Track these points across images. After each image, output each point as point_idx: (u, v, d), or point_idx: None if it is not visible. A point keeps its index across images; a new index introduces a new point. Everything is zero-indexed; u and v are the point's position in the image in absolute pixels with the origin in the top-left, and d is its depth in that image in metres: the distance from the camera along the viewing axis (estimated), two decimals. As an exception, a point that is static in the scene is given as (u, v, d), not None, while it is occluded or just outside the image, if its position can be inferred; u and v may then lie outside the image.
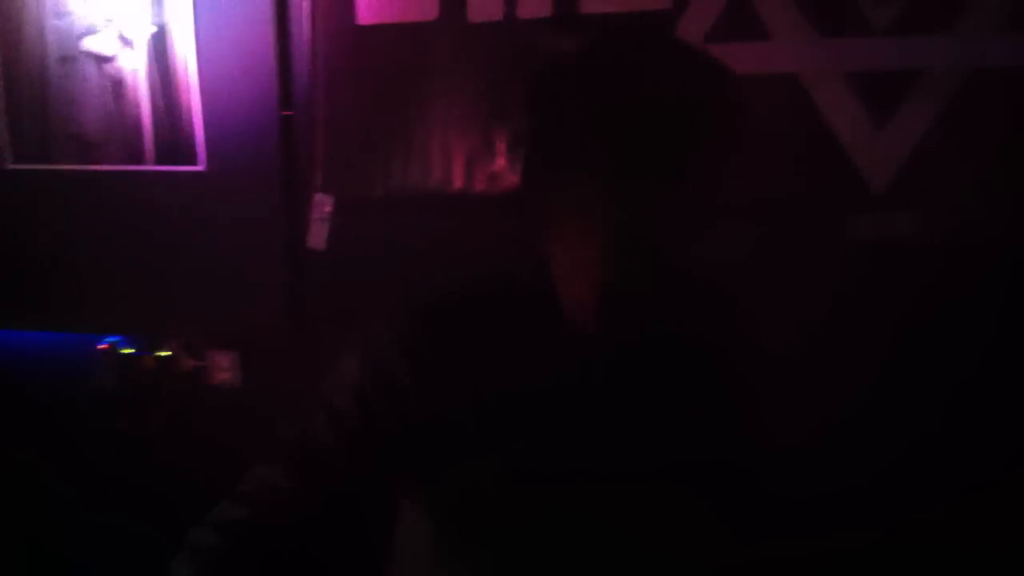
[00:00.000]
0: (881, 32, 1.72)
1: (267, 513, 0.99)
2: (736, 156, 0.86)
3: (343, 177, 2.06)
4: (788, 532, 0.97)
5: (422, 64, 1.96)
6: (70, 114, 2.21)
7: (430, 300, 0.98)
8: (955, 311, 1.71)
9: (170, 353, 2.21)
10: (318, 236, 2.06)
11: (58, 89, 2.21)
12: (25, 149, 2.27)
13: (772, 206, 1.77)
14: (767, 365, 1.05)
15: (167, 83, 2.16)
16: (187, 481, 1.88)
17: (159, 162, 2.19)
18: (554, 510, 0.95)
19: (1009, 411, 1.72)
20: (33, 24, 2.20)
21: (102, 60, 2.17)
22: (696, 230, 0.88)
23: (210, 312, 2.19)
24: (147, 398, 2.21)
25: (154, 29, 2.14)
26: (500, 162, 1.93)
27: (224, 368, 2.14)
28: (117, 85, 2.18)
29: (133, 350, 2.24)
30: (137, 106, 2.18)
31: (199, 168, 2.17)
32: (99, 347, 2.24)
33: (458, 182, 1.98)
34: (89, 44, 2.18)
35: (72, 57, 2.19)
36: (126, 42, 2.16)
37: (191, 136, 2.16)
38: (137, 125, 2.19)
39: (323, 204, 2.06)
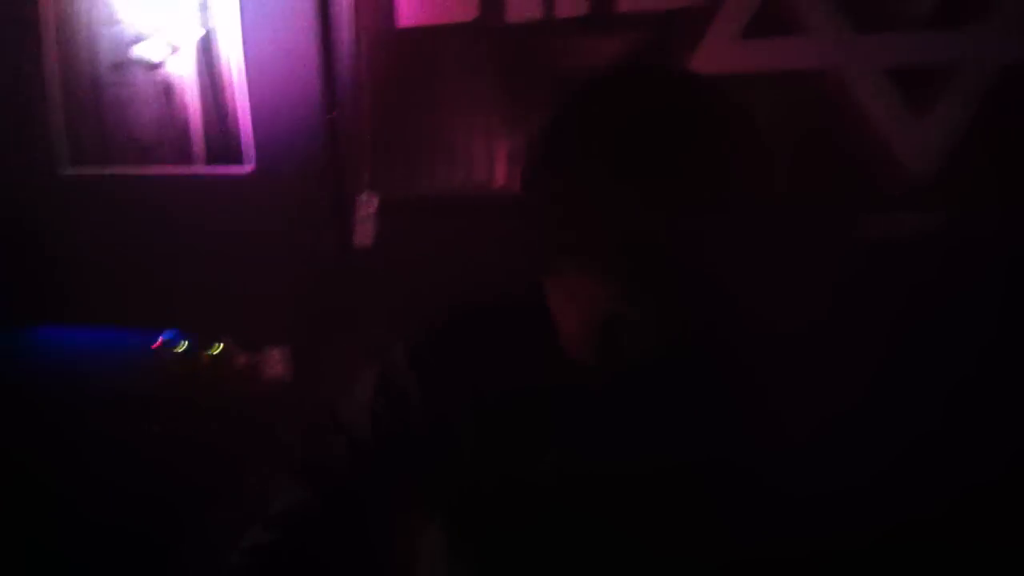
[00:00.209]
0: (916, 27, 1.71)
1: (301, 538, 1.04)
2: (736, 157, 0.82)
3: (387, 176, 2.11)
4: (788, 532, 0.97)
5: (462, 64, 2.00)
6: (123, 119, 2.29)
7: (440, 320, 1.05)
8: (978, 308, 1.69)
9: (222, 347, 2.28)
10: (364, 234, 2.12)
11: (111, 95, 2.29)
12: (81, 155, 2.35)
13: (803, 202, 1.74)
14: (768, 365, 1.05)
15: (215, 86, 2.22)
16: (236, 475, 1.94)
17: (209, 163, 2.27)
18: (554, 510, 0.97)
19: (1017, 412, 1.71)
20: (85, 32, 2.28)
21: (152, 66, 2.25)
22: (704, 229, 0.81)
23: (261, 308, 2.25)
24: (198, 394, 2.28)
25: (202, 33, 2.20)
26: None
27: (276, 362, 2.21)
28: (167, 89, 2.25)
29: (186, 345, 2.31)
30: (186, 109, 2.25)
31: (248, 168, 2.24)
32: (152, 346, 2.31)
33: (500, 180, 2.03)
34: (139, 51, 2.25)
35: (123, 64, 2.26)
36: (174, 48, 2.23)
37: (239, 137, 2.23)
38: (187, 128, 2.26)
39: (368, 203, 2.12)
